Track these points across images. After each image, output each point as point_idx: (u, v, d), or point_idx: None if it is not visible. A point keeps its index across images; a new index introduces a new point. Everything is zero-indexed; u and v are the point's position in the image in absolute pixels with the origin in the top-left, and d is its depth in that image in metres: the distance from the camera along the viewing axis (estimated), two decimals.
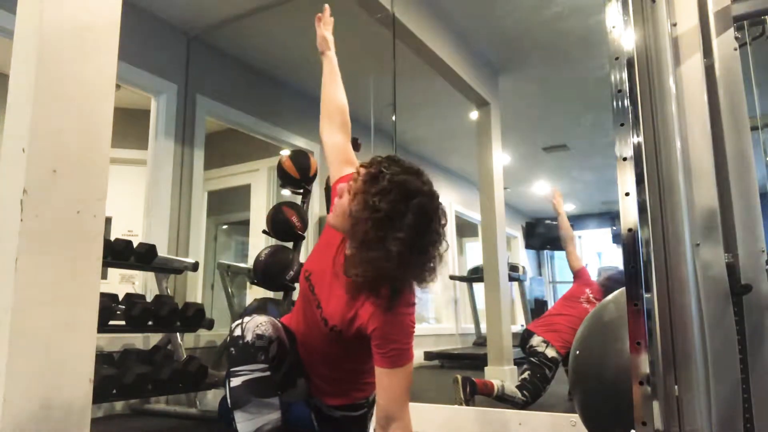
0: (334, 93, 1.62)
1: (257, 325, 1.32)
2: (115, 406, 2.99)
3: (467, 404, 2.83)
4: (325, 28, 1.78)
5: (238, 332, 1.31)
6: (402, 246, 1.16)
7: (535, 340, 3.21)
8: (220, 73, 3.99)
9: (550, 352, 3.13)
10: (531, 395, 3.02)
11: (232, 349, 1.30)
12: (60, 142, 1.16)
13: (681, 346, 1.14)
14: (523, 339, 3.34)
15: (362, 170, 1.24)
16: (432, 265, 1.23)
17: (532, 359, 3.16)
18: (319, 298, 1.36)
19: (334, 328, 1.32)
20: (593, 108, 4.95)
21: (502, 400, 2.97)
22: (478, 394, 2.93)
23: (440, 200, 1.26)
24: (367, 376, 1.41)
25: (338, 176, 1.42)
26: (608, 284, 3.27)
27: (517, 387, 3.05)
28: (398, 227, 1.16)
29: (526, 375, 3.11)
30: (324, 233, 1.42)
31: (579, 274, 3.49)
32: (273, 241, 3.21)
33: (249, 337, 1.29)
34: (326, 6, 1.73)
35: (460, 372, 3.13)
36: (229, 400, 1.28)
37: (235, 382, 1.27)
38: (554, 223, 7.26)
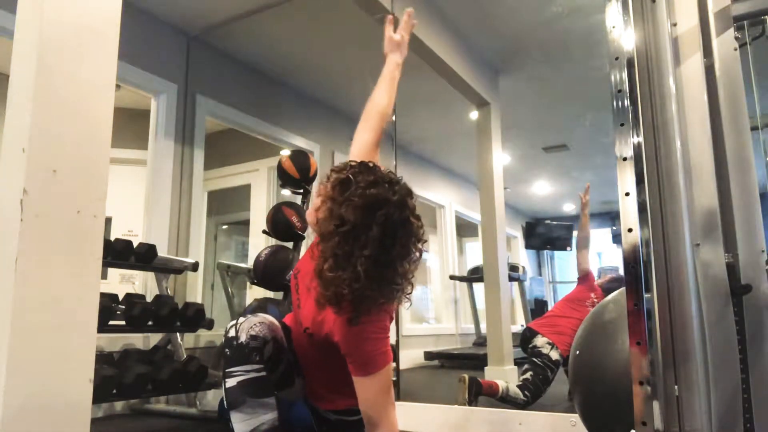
0: (381, 96, 1.57)
1: (252, 325, 1.32)
2: (115, 406, 2.99)
3: (469, 405, 2.83)
4: (401, 32, 1.70)
5: (232, 333, 1.31)
6: (368, 263, 1.11)
7: (540, 341, 3.20)
8: (220, 73, 3.99)
9: (555, 355, 3.12)
10: (532, 396, 3.02)
11: (227, 350, 1.29)
12: (60, 142, 1.15)
13: (681, 346, 1.14)
14: (524, 338, 3.33)
15: (333, 174, 1.19)
16: (400, 282, 1.18)
17: (535, 360, 3.15)
18: (300, 298, 1.36)
19: (307, 330, 1.32)
20: (593, 108, 4.95)
21: (505, 401, 2.97)
22: (483, 395, 2.93)
23: (414, 211, 1.21)
24: (349, 384, 1.39)
25: None
26: (612, 287, 3.27)
27: (519, 387, 3.05)
28: (363, 242, 1.12)
29: (528, 375, 3.11)
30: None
31: (586, 278, 3.49)
32: (273, 241, 3.21)
33: (243, 338, 1.29)
34: (409, 10, 1.71)
35: (460, 372, 3.13)
36: (225, 401, 1.28)
37: (230, 382, 1.27)
38: (554, 223, 7.27)
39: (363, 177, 1.16)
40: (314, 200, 1.22)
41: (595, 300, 3.28)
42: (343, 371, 1.30)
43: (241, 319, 1.33)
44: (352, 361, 1.24)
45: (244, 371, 1.27)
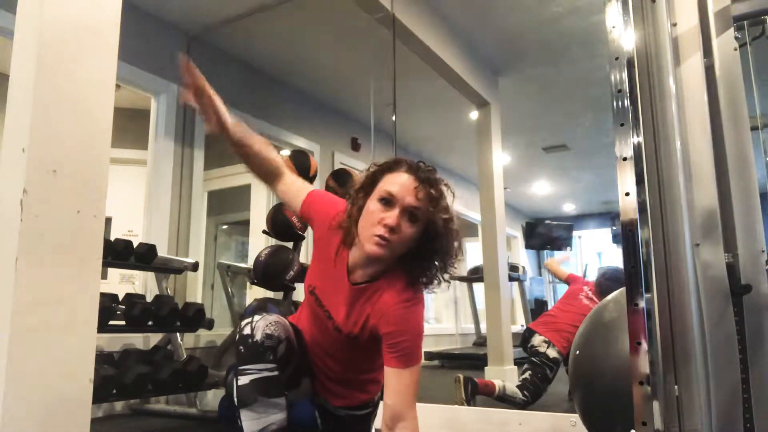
0: (259, 151, 1.45)
1: (267, 324, 1.32)
2: (115, 406, 2.99)
3: (468, 404, 2.83)
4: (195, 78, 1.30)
5: (247, 331, 1.30)
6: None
7: (537, 340, 3.21)
8: (220, 73, 4.00)
9: (552, 353, 3.13)
10: (531, 395, 3.02)
11: (241, 347, 1.29)
12: (60, 142, 1.16)
13: (681, 346, 1.14)
14: (524, 338, 3.34)
15: (420, 193, 1.28)
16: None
17: (533, 359, 3.16)
18: (328, 310, 1.38)
19: (350, 334, 1.35)
20: (593, 108, 4.95)
21: (503, 400, 2.97)
22: (479, 394, 2.93)
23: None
24: (375, 377, 1.44)
25: (298, 203, 1.43)
26: (602, 280, 3.30)
27: (518, 387, 3.05)
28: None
29: (527, 375, 3.11)
30: (317, 248, 1.43)
31: (569, 280, 3.54)
32: (273, 241, 3.21)
33: (258, 337, 1.29)
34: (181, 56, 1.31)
35: (460, 372, 3.14)
36: (235, 398, 1.28)
37: (243, 380, 1.27)
38: (554, 223, 7.28)
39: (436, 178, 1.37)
40: (405, 230, 1.27)
41: (588, 292, 3.32)
42: (369, 368, 1.39)
43: (257, 317, 1.33)
44: (394, 351, 1.28)
45: (257, 370, 1.27)
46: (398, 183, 1.27)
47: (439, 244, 1.31)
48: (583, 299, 3.31)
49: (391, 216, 1.24)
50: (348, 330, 1.35)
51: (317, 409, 1.46)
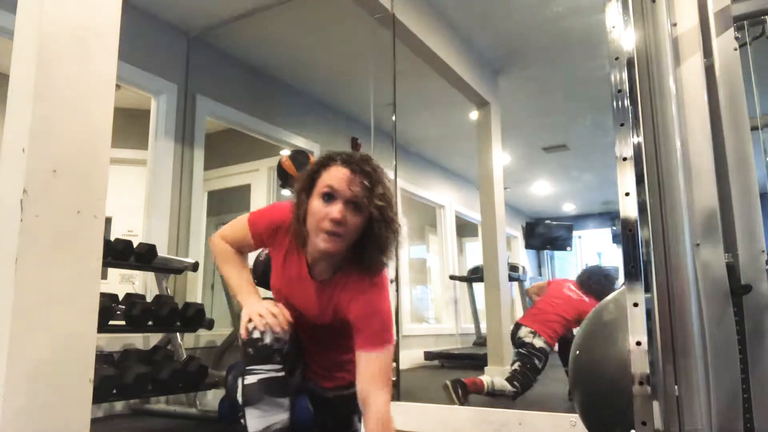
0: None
1: (276, 326, 1.36)
2: (115, 406, 2.99)
3: (464, 404, 2.85)
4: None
5: (257, 335, 1.34)
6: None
7: (523, 331, 3.24)
8: (220, 73, 4.00)
9: (538, 342, 3.14)
10: (521, 385, 3.03)
11: (250, 349, 1.33)
12: (60, 142, 1.16)
13: (681, 347, 1.14)
14: (512, 333, 3.39)
15: (356, 184, 1.29)
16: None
17: (521, 350, 3.19)
18: (298, 308, 1.44)
19: (324, 324, 1.42)
20: (593, 108, 4.95)
21: (494, 395, 2.98)
22: (470, 393, 2.94)
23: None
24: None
25: (251, 242, 1.49)
26: (584, 278, 3.35)
27: (507, 379, 3.07)
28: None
29: (516, 366, 3.13)
30: (276, 256, 1.47)
31: (549, 284, 3.59)
32: None
33: (268, 340, 1.33)
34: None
35: (461, 372, 3.15)
36: (241, 397, 1.32)
37: (251, 379, 1.32)
38: (554, 223, 7.27)
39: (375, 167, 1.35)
40: (350, 220, 1.29)
41: (571, 285, 3.37)
42: (350, 348, 1.42)
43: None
44: (364, 335, 1.32)
45: (265, 370, 1.33)
46: (336, 177, 1.29)
47: (378, 230, 1.32)
48: (566, 291, 3.36)
49: (336, 210, 1.26)
50: (321, 321, 1.41)
51: (309, 395, 1.49)
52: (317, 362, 1.51)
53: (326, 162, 1.34)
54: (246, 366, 1.33)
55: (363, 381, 1.30)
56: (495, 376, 3.10)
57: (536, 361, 3.11)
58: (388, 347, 1.33)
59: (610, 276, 3.36)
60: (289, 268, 1.43)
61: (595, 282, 3.30)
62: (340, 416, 1.53)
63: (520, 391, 3.02)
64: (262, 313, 1.34)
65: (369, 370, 1.31)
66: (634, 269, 1.13)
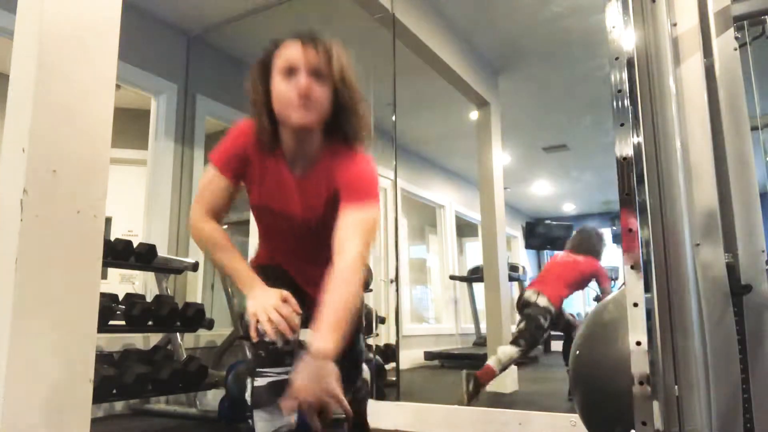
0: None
1: (285, 330, 1.34)
2: (115, 406, 2.99)
3: (469, 401, 2.86)
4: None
5: (268, 338, 1.32)
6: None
7: (527, 293, 3.29)
8: (220, 73, 4.00)
9: (542, 301, 3.18)
10: (527, 342, 3.09)
11: (262, 351, 1.32)
12: (60, 142, 1.16)
13: (681, 346, 1.14)
14: (517, 301, 3.44)
15: (310, 54, 1.25)
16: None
17: (525, 311, 3.22)
18: (286, 215, 1.39)
19: (315, 222, 1.38)
20: (593, 108, 4.95)
21: (506, 368, 3.04)
22: (484, 385, 2.96)
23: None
24: None
25: (224, 181, 1.38)
26: (573, 241, 3.48)
27: (512, 342, 3.13)
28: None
29: (521, 325, 3.18)
30: (252, 174, 1.38)
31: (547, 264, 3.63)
32: None
33: (279, 343, 1.32)
34: None
35: (460, 372, 3.15)
36: (250, 398, 1.31)
37: (261, 381, 1.31)
38: (554, 223, 7.27)
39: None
40: (315, 93, 1.25)
41: (565, 253, 3.47)
42: None
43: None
44: (352, 189, 1.30)
45: (275, 373, 1.31)
46: (291, 52, 1.26)
47: (344, 97, 1.29)
48: (561, 258, 3.46)
49: (300, 81, 1.23)
50: (311, 221, 1.37)
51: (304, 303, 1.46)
52: (316, 283, 1.41)
53: (275, 44, 1.31)
54: (256, 367, 1.32)
55: (339, 232, 1.26)
56: (496, 353, 3.12)
57: (541, 320, 3.14)
58: (372, 205, 1.30)
59: (597, 232, 3.46)
60: (269, 178, 1.37)
61: (585, 240, 3.41)
62: None
63: (526, 349, 3.06)
64: (272, 317, 1.22)
65: (347, 222, 1.26)
66: (634, 269, 1.13)
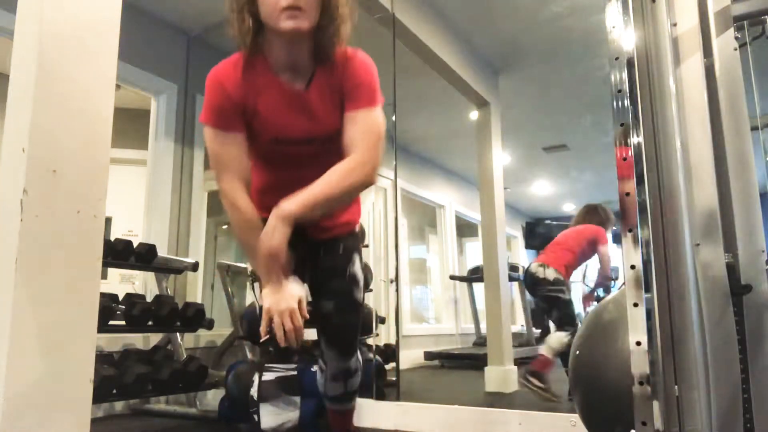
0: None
1: (292, 341, 1.36)
2: (115, 406, 2.99)
3: (546, 392, 2.88)
4: None
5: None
6: None
7: (532, 267, 3.29)
8: None
9: (550, 274, 3.16)
10: (571, 322, 3.07)
11: (271, 348, 1.37)
12: (60, 142, 1.16)
13: (681, 346, 1.14)
14: (524, 277, 3.43)
15: None
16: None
17: (539, 292, 3.19)
18: (296, 133, 1.33)
19: (327, 132, 1.33)
20: (593, 108, 4.95)
21: (563, 354, 3.00)
22: (545, 373, 2.98)
23: None
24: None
25: (230, 137, 1.34)
26: (578, 217, 3.48)
27: (558, 329, 3.11)
28: None
29: (554, 315, 3.14)
30: (254, 114, 1.32)
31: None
32: None
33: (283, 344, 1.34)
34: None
35: (461, 372, 3.16)
36: (257, 392, 1.35)
37: (269, 376, 1.35)
38: (554, 223, 7.27)
39: None
40: None
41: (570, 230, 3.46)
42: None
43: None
44: (359, 92, 1.28)
45: (283, 369, 1.36)
46: None
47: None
48: (565, 232, 3.46)
49: None
50: (319, 129, 1.33)
51: (306, 245, 1.46)
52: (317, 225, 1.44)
53: None
54: (266, 363, 1.37)
55: (349, 136, 1.26)
56: (546, 343, 3.11)
57: (561, 296, 3.12)
58: (377, 108, 1.29)
59: (602, 206, 3.48)
60: (266, 104, 1.30)
61: (590, 212, 3.44)
62: (338, 255, 1.47)
63: (574, 329, 3.04)
64: (286, 325, 1.22)
65: (357, 126, 1.26)
66: (634, 269, 1.13)
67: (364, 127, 1.27)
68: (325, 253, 1.47)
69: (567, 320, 3.10)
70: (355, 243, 1.52)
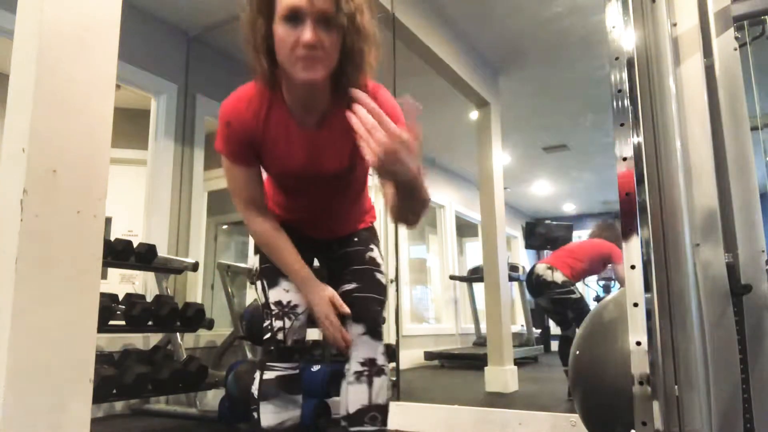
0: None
1: (296, 330, 1.37)
2: (115, 406, 2.99)
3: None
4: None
5: (280, 336, 1.34)
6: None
7: (539, 268, 3.26)
8: (220, 73, 4.00)
9: (558, 276, 3.15)
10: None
11: (273, 347, 1.35)
12: (60, 142, 1.16)
13: (681, 346, 1.14)
14: (527, 279, 3.43)
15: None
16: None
17: (548, 296, 3.17)
18: (309, 171, 1.32)
19: (344, 169, 1.32)
20: (593, 108, 4.95)
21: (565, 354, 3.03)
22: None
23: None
24: (369, 204, 1.56)
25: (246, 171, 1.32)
26: (594, 230, 3.52)
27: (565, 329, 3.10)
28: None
29: (569, 315, 3.11)
30: (267, 148, 1.30)
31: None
32: None
33: (289, 342, 1.35)
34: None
35: (461, 372, 3.16)
36: (257, 391, 1.33)
37: (269, 375, 1.33)
38: (554, 223, 7.28)
39: None
40: (325, 42, 1.13)
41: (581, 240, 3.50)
42: (363, 192, 1.46)
43: (288, 323, 1.36)
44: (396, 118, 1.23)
45: (283, 368, 1.34)
46: None
47: (351, 42, 1.16)
48: (579, 241, 3.45)
49: (306, 32, 1.10)
50: (334, 168, 1.31)
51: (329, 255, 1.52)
52: (321, 229, 1.48)
53: None
54: (267, 362, 1.35)
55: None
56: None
57: (572, 296, 3.10)
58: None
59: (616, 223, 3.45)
60: (279, 142, 1.28)
61: (606, 228, 3.44)
62: (354, 243, 1.48)
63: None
64: (329, 331, 1.33)
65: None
66: (634, 269, 1.13)
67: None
68: (340, 245, 1.49)
69: (577, 316, 3.10)
70: (371, 234, 1.53)
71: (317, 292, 1.34)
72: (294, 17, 1.11)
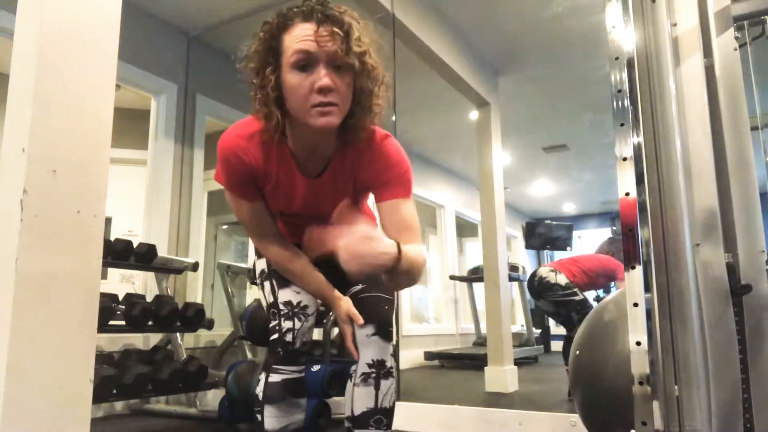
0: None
1: (305, 332, 1.36)
2: (115, 406, 2.99)
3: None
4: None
5: (289, 338, 1.33)
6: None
7: (543, 271, 3.27)
8: (220, 73, 3.99)
9: (561, 279, 3.15)
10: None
11: (280, 350, 1.33)
12: (60, 142, 1.15)
13: (681, 346, 1.14)
14: (529, 283, 3.43)
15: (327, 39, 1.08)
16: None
17: (551, 297, 3.17)
18: (314, 212, 1.31)
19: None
20: (593, 108, 4.95)
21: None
22: None
23: None
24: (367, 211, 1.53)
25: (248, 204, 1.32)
26: (602, 246, 3.55)
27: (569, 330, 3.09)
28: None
29: (573, 316, 3.10)
30: (269, 186, 1.29)
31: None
32: None
33: (298, 344, 1.34)
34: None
35: (461, 372, 3.16)
36: (261, 393, 1.33)
37: (275, 378, 1.32)
38: (554, 223, 7.28)
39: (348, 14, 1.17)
40: (338, 86, 1.10)
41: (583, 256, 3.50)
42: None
43: (297, 324, 1.35)
44: (397, 182, 1.23)
45: (290, 371, 1.33)
46: (304, 38, 1.08)
47: (361, 83, 1.14)
48: (586, 254, 3.49)
49: (321, 77, 1.07)
50: (331, 209, 1.28)
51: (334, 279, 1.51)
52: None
53: (283, 23, 1.12)
54: (273, 365, 1.34)
55: (404, 226, 1.21)
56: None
57: (575, 297, 3.09)
58: (409, 195, 1.25)
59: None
60: (282, 183, 1.27)
61: (614, 245, 3.41)
62: None
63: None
64: (350, 345, 1.35)
65: (396, 218, 1.21)
66: (634, 269, 1.13)
67: (409, 217, 1.24)
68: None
69: (578, 316, 3.11)
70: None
71: (338, 308, 1.37)
72: (305, 63, 1.08)
